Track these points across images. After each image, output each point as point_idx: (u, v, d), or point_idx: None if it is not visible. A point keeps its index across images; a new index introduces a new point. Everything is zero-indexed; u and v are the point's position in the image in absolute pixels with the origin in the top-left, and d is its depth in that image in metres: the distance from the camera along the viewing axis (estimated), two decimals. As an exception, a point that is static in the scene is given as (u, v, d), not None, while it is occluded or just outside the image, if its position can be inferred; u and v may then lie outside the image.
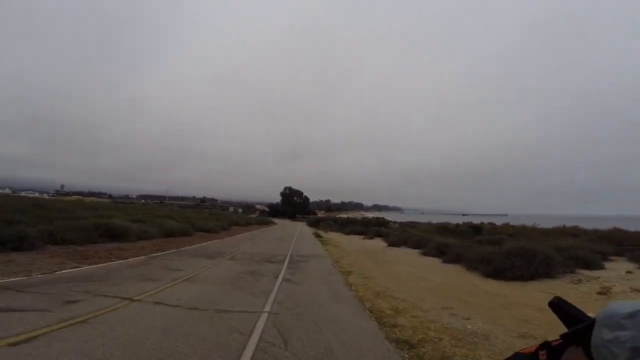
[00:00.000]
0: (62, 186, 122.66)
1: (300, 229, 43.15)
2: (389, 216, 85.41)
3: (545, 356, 0.42)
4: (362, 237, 32.36)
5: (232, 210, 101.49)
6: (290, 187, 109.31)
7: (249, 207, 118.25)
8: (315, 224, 56.16)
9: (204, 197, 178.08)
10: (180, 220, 21.49)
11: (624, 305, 0.35)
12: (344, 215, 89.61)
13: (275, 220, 69.25)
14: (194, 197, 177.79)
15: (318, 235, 29.25)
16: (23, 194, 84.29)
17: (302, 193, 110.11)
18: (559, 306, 0.42)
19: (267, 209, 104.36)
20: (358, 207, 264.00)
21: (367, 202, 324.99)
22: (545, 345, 0.43)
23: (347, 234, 37.67)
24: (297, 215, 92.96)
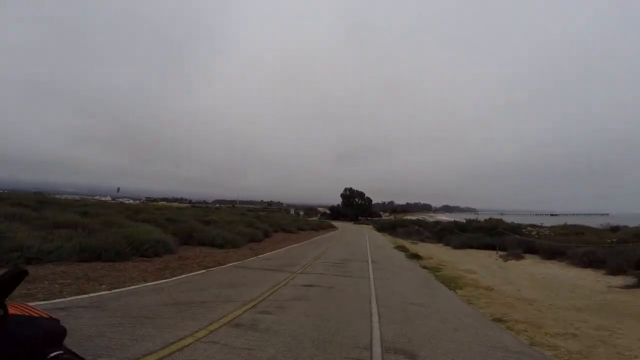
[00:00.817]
0: (118, 189, 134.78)
1: (370, 235, 34.11)
2: (461, 217, 74.48)
3: None
4: (496, 254, 18.76)
5: (293, 212, 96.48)
6: (351, 188, 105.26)
7: (311, 210, 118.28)
8: (390, 229, 42.49)
9: (271, 200, 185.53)
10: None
11: None
12: (412, 217, 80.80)
13: (336, 223, 62.69)
14: (261, 200, 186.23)
15: (414, 255, 16.18)
16: (119, 200, 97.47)
17: (364, 194, 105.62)
18: None
19: (328, 211, 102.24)
20: (426, 208, 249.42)
21: (436, 204, 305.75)
22: None
23: (458, 248, 23.41)
24: (360, 217, 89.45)
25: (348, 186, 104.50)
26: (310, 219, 69.89)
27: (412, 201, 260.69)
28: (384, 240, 29.03)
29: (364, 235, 34.32)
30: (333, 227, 46.92)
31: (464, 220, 38.18)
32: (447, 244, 26.56)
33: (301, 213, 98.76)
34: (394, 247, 21.33)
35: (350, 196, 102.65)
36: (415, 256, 16.10)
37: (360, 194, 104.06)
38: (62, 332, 0.59)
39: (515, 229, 26.73)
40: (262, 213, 53.41)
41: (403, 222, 48.02)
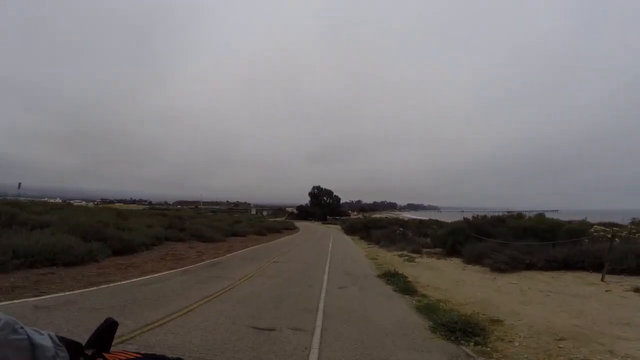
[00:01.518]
0: (20, 185, 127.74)
1: (335, 238, 29.37)
2: (425, 215, 74.40)
3: None
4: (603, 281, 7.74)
5: (254, 212, 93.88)
6: (319, 187, 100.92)
7: (280, 210, 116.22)
8: (361, 231, 32.87)
9: (237, 201, 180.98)
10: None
11: None
12: (380, 216, 76.17)
13: (303, 223, 59.18)
14: (227, 201, 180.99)
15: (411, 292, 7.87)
16: (72, 202, 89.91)
17: (332, 192, 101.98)
18: None
19: (295, 211, 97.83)
20: (391, 207, 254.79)
21: (401, 202, 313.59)
22: None
23: (504, 269, 10.36)
24: (328, 217, 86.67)
25: (317, 185, 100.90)
26: (277, 219, 67.47)
27: (378, 200, 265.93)
28: (357, 252, 18.87)
29: (328, 236, 29.74)
30: (294, 229, 41.13)
31: (467, 217, 19.62)
32: (472, 261, 12.99)
33: (265, 213, 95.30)
34: (379, 276, 10.16)
35: (319, 195, 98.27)
36: (415, 295, 7.74)
37: (329, 193, 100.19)
38: None
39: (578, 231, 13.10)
40: (212, 214, 50.35)
41: (377, 222, 34.63)
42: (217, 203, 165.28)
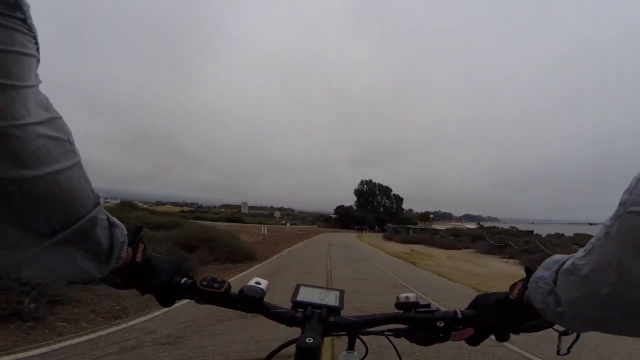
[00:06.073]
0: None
1: None
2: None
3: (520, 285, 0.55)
4: None
5: (278, 216, 56.85)
6: (370, 181, 72.83)
7: (321, 216, 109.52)
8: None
9: (282, 206, 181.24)
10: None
11: (557, 257, 0.47)
12: (441, 227, 58.39)
13: (333, 235, 34.34)
14: (271, 206, 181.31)
15: None
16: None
17: (391, 190, 73.79)
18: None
19: (334, 216, 72.35)
20: (446, 217, 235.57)
21: (456, 212, 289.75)
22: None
23: None
24: (391, 225, 51.89)
25: (369, 179, 74.94)
26: (304, 225, 58.36)
27: (431, 209, 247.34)
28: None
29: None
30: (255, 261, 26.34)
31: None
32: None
33: (277, 215, 54.97)
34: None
35: (369, 193, 71.39)
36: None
37: (385, 190, 72.94)
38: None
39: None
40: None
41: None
42: (261, 208, 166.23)
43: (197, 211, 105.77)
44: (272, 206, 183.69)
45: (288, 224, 50.22)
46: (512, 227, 60.28)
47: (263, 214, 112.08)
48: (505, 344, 3.69)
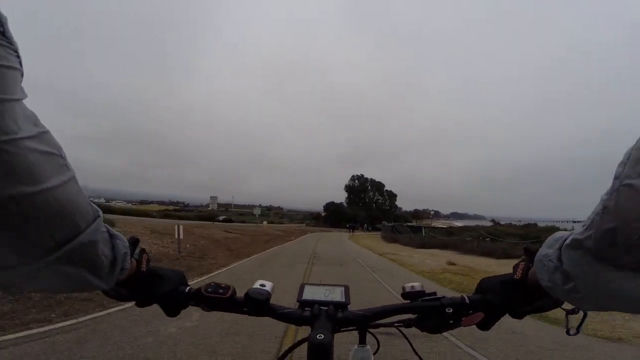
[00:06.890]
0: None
1: None
2: (470, 224, 59.22)
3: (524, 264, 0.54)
4: None
5: (258, 215, 54.04)
6: (362, 176, 68.78)
7: (311, 214, 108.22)
8: None
9: (270, 205, 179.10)
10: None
11: (559, 234, 0.47)
12: (438, 225, 55.17)
13: (323, 234, 32.88)
14: (260, 205, 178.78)
15: None
16: (113, 203, 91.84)
17: (384, 186, 69.72)
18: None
19: (324, 214, 68.73)
20: (436, 215, 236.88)
21: (444, 210, 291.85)
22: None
23: None
24: (387, 224, 42.67)
25: (360, 174, 70.71)
26: (291, 224, 56.29)
27: (419, 207, 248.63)
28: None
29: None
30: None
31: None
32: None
33: (257, 213, 55.19)
34: None
35: (360, 189, 67.33)
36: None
37: (378, 186, 68.46)
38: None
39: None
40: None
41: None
42: (249, 206, 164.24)
43: (183, 210, 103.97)
44: (260, 205, 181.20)
45: (265, 223, 44.37)
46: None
47: (252, 213, 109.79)
48: (450, 338, 3.57)
